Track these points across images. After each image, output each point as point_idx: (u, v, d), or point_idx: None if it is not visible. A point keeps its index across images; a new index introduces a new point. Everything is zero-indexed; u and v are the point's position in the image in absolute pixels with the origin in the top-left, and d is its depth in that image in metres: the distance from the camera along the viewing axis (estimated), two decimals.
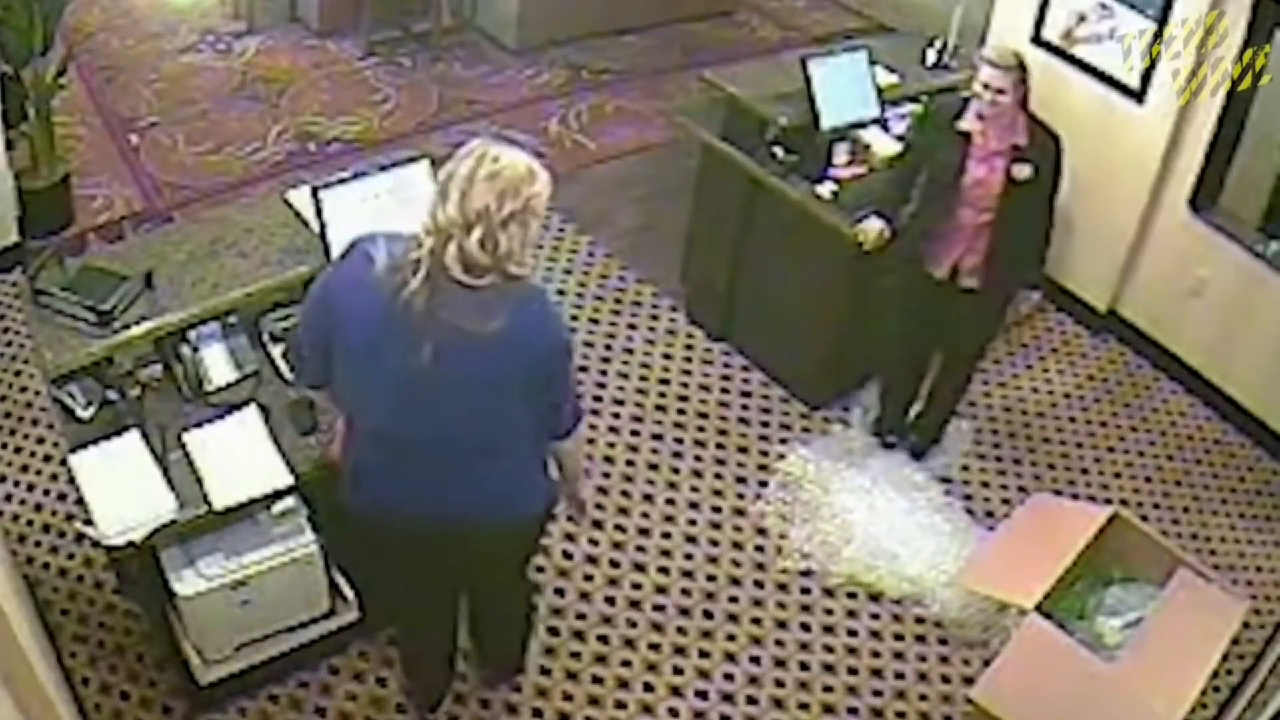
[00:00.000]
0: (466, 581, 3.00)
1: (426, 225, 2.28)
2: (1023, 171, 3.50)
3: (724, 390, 4.46)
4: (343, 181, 3.03)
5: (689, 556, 3.82)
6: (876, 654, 3.60)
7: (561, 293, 4.77)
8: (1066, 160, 3.58)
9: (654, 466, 4.11)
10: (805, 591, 3.76)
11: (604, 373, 4.44)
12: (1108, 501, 3.98)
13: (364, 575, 3.11)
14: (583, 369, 4.44)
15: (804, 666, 3.55)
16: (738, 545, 3.88)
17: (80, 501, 2.76)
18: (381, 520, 2.64)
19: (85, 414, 2.90)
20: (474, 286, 2.27)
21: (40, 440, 3.92)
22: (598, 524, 3.87)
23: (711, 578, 3.77)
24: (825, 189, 4.05)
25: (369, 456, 2.58)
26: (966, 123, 3.51)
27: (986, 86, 3.41)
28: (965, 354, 4.06)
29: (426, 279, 2.26)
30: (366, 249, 2.37)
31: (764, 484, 4.08)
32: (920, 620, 3.71)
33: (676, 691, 3.44)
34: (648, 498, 4.00)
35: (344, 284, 2.40)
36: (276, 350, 3.11)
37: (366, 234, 2.41)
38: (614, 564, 3.76)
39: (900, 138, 4.27)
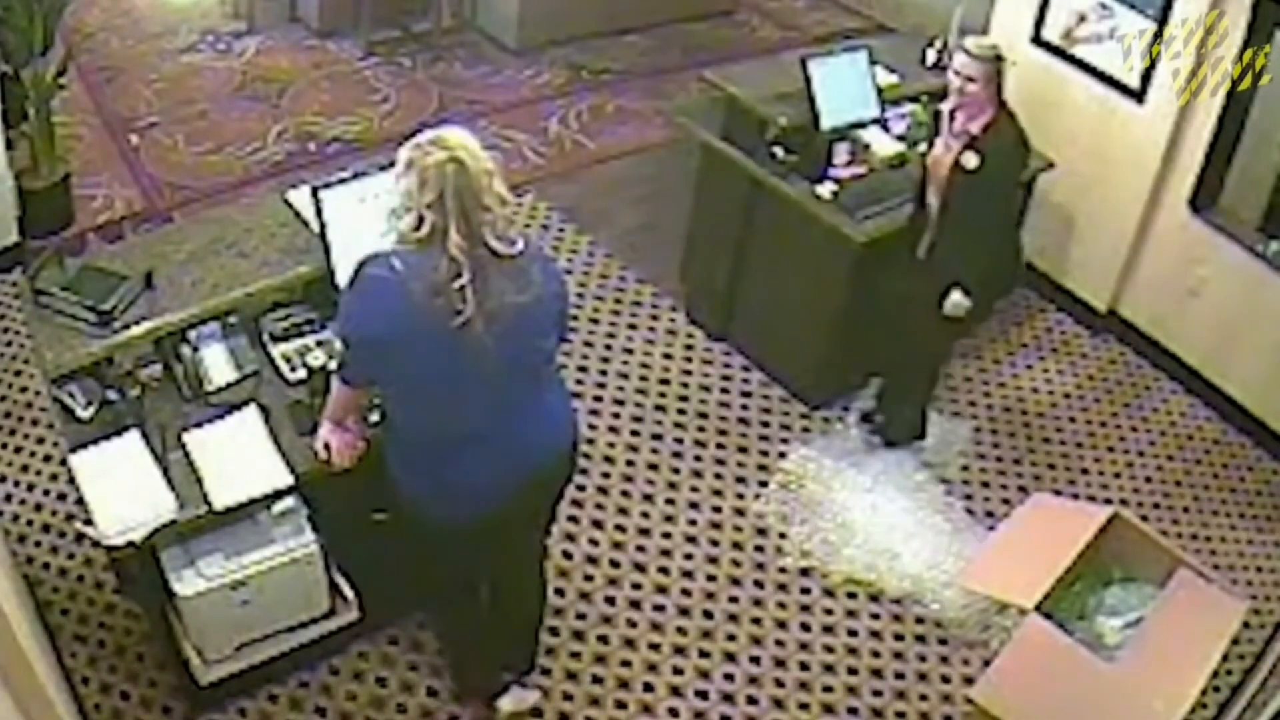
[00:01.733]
0: (538, 531, 3.05)
1: (453, 235, 2.36)
2: (969, 160, 3.55)
3: (724, 390, 4.45)
4: (343, 181, 3.03)
5: (689, 556, 3.82)
6: (876, 654, 3.60)
7: None
8: (1060, 168, 3.62)
9: (654, 466, 4.11)
10: (805, 591, 3.76)
11: (604, 373, 4.44)
12: (1108, 501, 3.98)
13: (393, 557, 3.00)
14: (582, 369, 4.44)
15: (804, 666, 3.55)
16: (738, 545, 3.88)
17: (80, 501, 2.76)
18: (488, 513, 2.70)
19: (85, 414, 2.90)
20: (509, 255, 2.42)
21: (40, 440, 3.92)
22: (598, 524, 3.87)
23: (711, 578, 3.77)
24: (825, 189, 4.05)
25: (456, 468, 2.63)
26: (944, 104, 3.63)
27: (957, 73, 3.51)
28: (913, 331, 3.98)
29: (473, 281, 2.37)
30: (384, 277, 2.42)
31: (764, 484, 4.08)
32: (920, 620, 3.71)
33: (676, 691, 3.44)
34: (648, 498, 4.00)
35: (391, 325, 2.45)
36: (276, 350, 3.11)
37: (368, 259, 2.47)
38: (614, 564, 3.77)
39: (901, 137, 4.28)
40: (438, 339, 2.42)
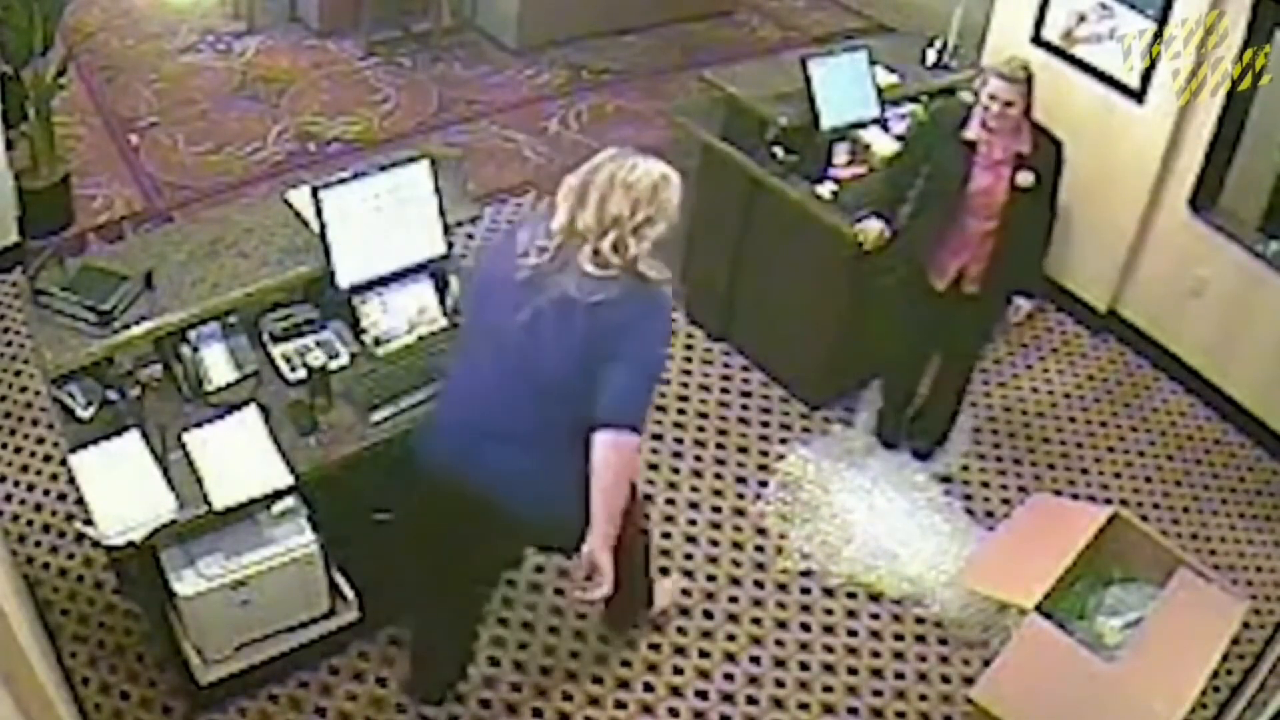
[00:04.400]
0: (496, 565, 3.07)
1: (562, 224, 2.43)
2: (1026, 179, 3.51)
3: (724, 390, 4.45)
4: (343, 181, 3.03)
5: (689, 556, 3.82)
6: (876, 654, 3.60)
7: None
8: (1067, 164, 3.60)
9: (654, 466, 4.10)
10: (805, 591, 3.76)
11: None
12: (1108, 501, 3.98)
13: (393, 557, 3.01)
14: None
15: (804, 666, 3.55)
16: (738, 545, 3.88)
17: (80, 501, 2.76)
18: (436, 476, 2.71)
19: (85, 414, 2.90)
20: (600, 278, 2.44)
21: (40, 440, 3.92)
22: None
23: (711, 578, 3.77)
24: (825, 189, 4.06)
25: (449, 413, 2.74)
26: (972, 132, 3.52)
27: (994, 98, 3.43)
28: (963, 356, 4.07)
29: (552, 263, 2.46)
30: (517, 228, 2.63)
31: (764, 484, 4.08)
32: (920, 620, 3.71)
33: (676, 691, 3.44)
34: (648, 498, 3.99)
35: (488, 251, 2.79)
36: (276, 350, 3.11)
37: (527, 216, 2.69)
38: None
39: (900, 137, 4.27)
40: (500, 285, 2.53)
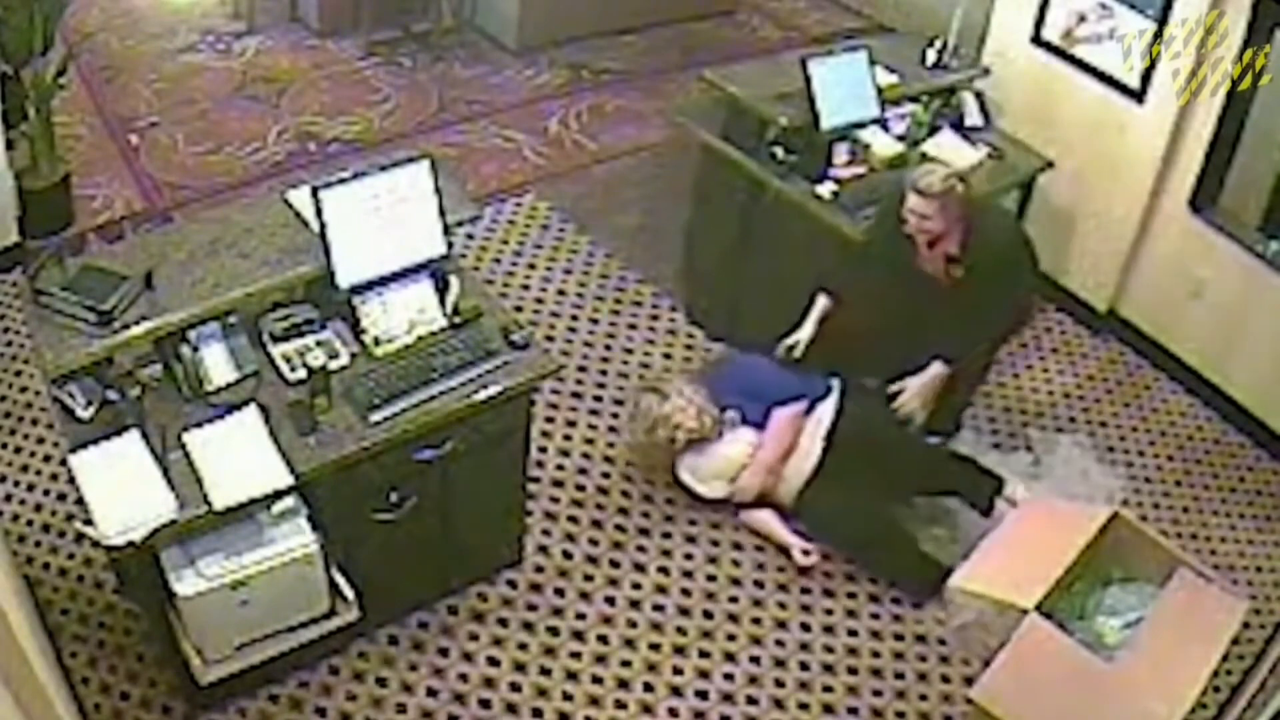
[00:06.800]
0: None
1: None
2: (955, 271, 3.61)
3: None
4: (343, 181, 3.03)
5: (689, 556, 3.82)
6: (876, 654, 3.60)
7: (562, 293, 4.78)
8: (1064, 174, 3.62)
9: (654, 467, 4.10)
10: (805, 591, 3.76)
11: (604, 373, 4.44)
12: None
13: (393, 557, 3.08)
14: (582, 369, 4.44)
15: (804, 666, 3.55)
16: (738, 545, 3.88)
17: (80, 501, 2.76)
18: None
19: (85, 414, 2.90)
20: None
21: (40, 440, 3.92)
22: (597, 524, 3.88)
23: (711, 578, 3.77)
24: (825, 189, 4.06)
25: None
26: (909, 228, 3.58)
27: (912, 212, 3.47)
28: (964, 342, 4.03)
29: None
30: None
31: None
32: (920, 620, 3.71)
33: (676, 691, 3.44)
34: (647, 498, 3.99)
35: None
36: (276, 350, 3.11)
37: None
38: (614, 564, 3.77)
39: (901, 137, 4.28)
40: None
